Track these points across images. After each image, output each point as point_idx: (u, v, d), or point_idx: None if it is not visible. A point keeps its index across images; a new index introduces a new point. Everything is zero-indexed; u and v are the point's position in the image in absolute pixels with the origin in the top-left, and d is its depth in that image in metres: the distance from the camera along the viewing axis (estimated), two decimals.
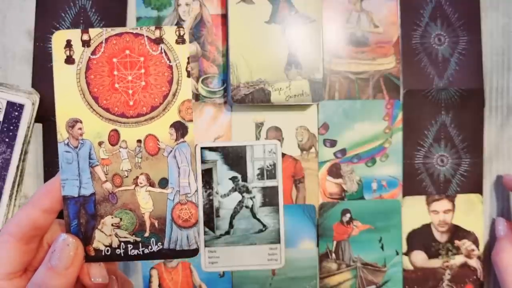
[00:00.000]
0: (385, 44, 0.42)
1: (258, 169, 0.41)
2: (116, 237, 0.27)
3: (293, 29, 0.38)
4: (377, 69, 0.41)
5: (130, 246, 0.27)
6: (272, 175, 0.41)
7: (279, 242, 0.41)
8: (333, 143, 0.41)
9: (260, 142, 0.41)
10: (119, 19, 0.39)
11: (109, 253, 0.27)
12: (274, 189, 0.41)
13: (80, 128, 0.27)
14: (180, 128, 0.27)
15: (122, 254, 0.27)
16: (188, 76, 0.27)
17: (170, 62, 0.27)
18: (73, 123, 0.27)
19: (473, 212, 0.42)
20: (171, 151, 0.27)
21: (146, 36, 0.27)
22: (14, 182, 0.36)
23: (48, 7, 0.39)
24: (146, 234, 0.27)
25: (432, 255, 0.42)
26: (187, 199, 0.28)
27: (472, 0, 0.42)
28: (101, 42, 0.27)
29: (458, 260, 0.42)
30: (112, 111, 0.27)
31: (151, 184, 0.27)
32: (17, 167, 0.36)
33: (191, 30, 0.40)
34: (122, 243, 0.27)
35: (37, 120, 0.38)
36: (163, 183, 0.27)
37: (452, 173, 0.42)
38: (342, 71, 0.41)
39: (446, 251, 0.42)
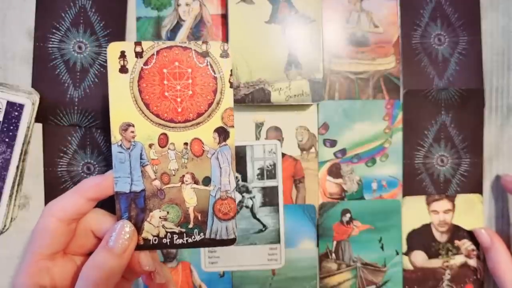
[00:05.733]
0: (385, 44, 0.42)
1: (258, 169, 0.41)
2: (163, 228, 0.30)
3: (293, 29, 0.38)
4: (377, 69, 0.41)
5: (175, 236, 0.30)
6: (272, 175, 0.41)
7: (279, 242, 0.41)
8: (333, 143, 0.41)
9: (260, 142, 0.41)
10: (119, 19, 0.39)
11: (156, 242, 0.30)
12: (274, 189, 0.41)
13: (132, 132, 0.30)
14: (222, 133, 0.30)
15: (168, 243, 0.30)
16: (231, 87, 0.30)
17: (214, 73, 0.30)
18: (126, 127, 0.30)
19: (473, 212, 0.42)
20: (214, 153, 0.31)
21: (194, 49, 0.30)
22: (14, 182, 0.36)
23: (48, 7, 0.39)
24: (190, 226, 0.31)
25: (432, 255, 0.42)
26: (227, 195, 0.31)
27: (472, 0, 0.42)
28: (153, 54, 0.30)
29: (458, 260, 0.42)
30: (162, 116, 0.30)
31: (196, 182, 0.30)
32: (17, 167, 0.36)
33: (191, 30, 0.40)
34: (169, 234, 0.30)
35: (37, 120, 0.38)
36: (206, 181, 0.31)
37: (452, 173, 0.42)
38: (342, 71, 0.41)
39: (446, 251, 0.42)
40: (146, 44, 0.30)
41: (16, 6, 0.39)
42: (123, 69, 0.29)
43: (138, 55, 0.29)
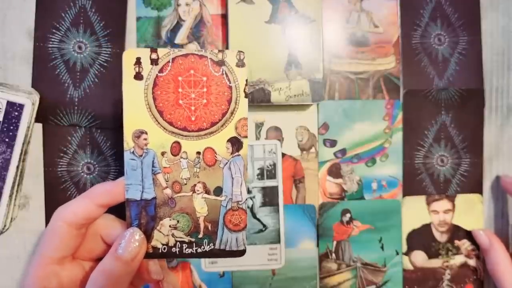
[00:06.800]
0: (385, 44, 0.42)
1: (258, 169, 0.41)
2: (173, 237, 0.30)
3: (293, 29, 0.38)
4: (377, 69, 0.41)
5: (185, 245, 0.30)
6: (272, 175, 0.41)
7: (279, 242, 0.41)
8: (333, 143, 0.41)
9: (260, 142, 0.41)
10: (119, 19, 0.39)
11: (165, 251, 0.30)
12: (274, 189, 0.41)
13: (145, 139, 0.30)
14: (236, 143, 0.30)
15: (177, 252, 0.30)
16: (246, 96, 0.30)
17: (230, 83, 0.30)
18: (139, 134, 0.29)
19: (473, 212, 0.42)
20: (226, 163, 0.30)
21: (210, 58, 0.30)
22: (14, 182, 0.36)
23: (48, 7, 0.39)
24: (200, 235, 0.31)
25: (432, 255, 0.42)
26: (238, 206, 0.31)
27: (472, 0, 0.42)
28: (168, 61, 0.29)
29: (458, 260, 0.42)
30: (175, 124, 0.30)
31: (207, 192, 0.30)
32: (17, 167, 0.36)
33: (191, 30, 0.40)
34: (178, 243, 0.30)
35: (37, 120, 0.38)
36: (218, 191, 0.30)
37: (452, 173, 0.42)
38: (342, 71, 0.41)
39: (446, 251, 0.42)
40: (161, 51, 0.29)
41: (16, 6, 0.39)
42: (138, 76, 0.29)
43: (154, 62, 0.29)
